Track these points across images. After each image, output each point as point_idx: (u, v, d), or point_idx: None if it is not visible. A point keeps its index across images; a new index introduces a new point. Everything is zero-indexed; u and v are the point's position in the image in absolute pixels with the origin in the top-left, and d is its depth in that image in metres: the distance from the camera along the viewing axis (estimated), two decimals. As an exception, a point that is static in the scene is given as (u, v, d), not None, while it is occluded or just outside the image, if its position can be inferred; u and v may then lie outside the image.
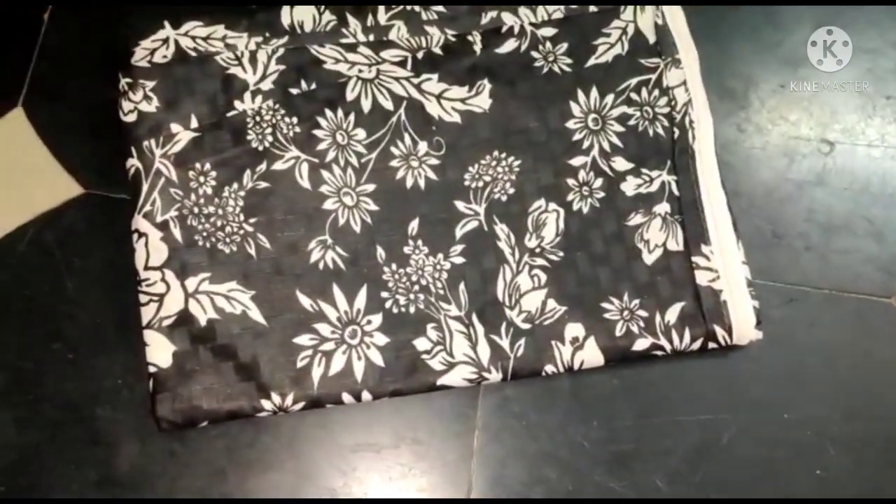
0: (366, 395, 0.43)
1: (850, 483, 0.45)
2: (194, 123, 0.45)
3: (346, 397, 0.43)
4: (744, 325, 0.44)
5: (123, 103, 0.45)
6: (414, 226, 0.45)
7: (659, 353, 0.44)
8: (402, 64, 0.47)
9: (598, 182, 0.46)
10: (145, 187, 0.44)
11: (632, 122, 0.47)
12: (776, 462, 0.45)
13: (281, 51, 0.46)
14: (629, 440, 0.45)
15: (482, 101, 0.47)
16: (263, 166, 0.45)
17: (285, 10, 0.46)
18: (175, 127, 0.45)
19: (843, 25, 0.51)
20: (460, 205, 0.46)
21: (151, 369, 0.42)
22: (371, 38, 0.47)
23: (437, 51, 0.47)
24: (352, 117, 0.46)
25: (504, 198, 0.46)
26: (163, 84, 0.45)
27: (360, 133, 0.46)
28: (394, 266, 0.44)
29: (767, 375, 0.46)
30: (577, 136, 0.47)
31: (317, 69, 0.46)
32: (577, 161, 0.47)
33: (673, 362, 0.46)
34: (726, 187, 0.46)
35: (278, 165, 0.45)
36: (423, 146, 0.46)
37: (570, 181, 0.46)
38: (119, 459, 0.44)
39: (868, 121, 0.50)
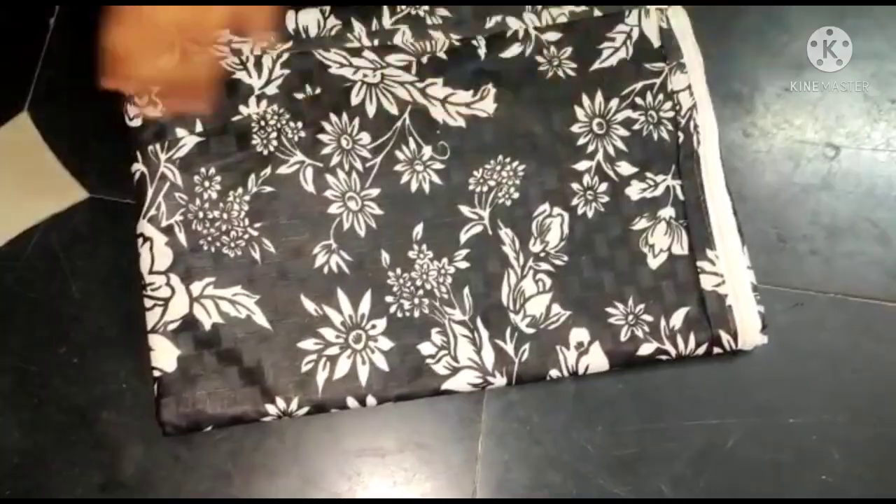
0: (370, 400, 0.43)
1: (855, 488, 0.45)
2: (199, 128, 0.45)
3: (351, 402, 0.43)
4: (749, 330, 0.44)
5: (129, 108, 0.45)
6: (418, 230, 0.45)
7: (664, 357, 0.44)
8: (406, 68, 0.47)
9: (603, 186, 0.46)
10: (150, 192, 0.44)
11: (636, 127, 0.47)
12: (781, 467, 0.45)
13: (286, 55, 0.46)
14: (633, 444, 0.45)
15: (487, 106, 0.47)
16: (268, 171, 0.45)
17: (290, 14, 0.46)
18: (180, 132, 0.45)
19: (849, 28, 0.51)
20: (465, 209, 0.46)
21: (156, 374, 0.42)
22: (376, 42, 0.47)
23: (442, 55, 0.47)
24: (356, 122, 0.46)
25: (508, 202, 0.46)
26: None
27: (365, 137, 0.46)
28: (398, 270, 0.44)
29: (772, 380, 0.46)
30: (581, 141, 0.47)
31: (321, 74, 0.46)
32: (581, 165, 0.46)
33: (677, 367, 0.45)
34: (731, 191, 0.46)
35: (283, 170, 0.45)
36: (427, 151, 0.46)
37: (575, 185, 0.46)
38: (123, 463, 0.44)
39: (873, 125, 0.50)
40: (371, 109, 0.46)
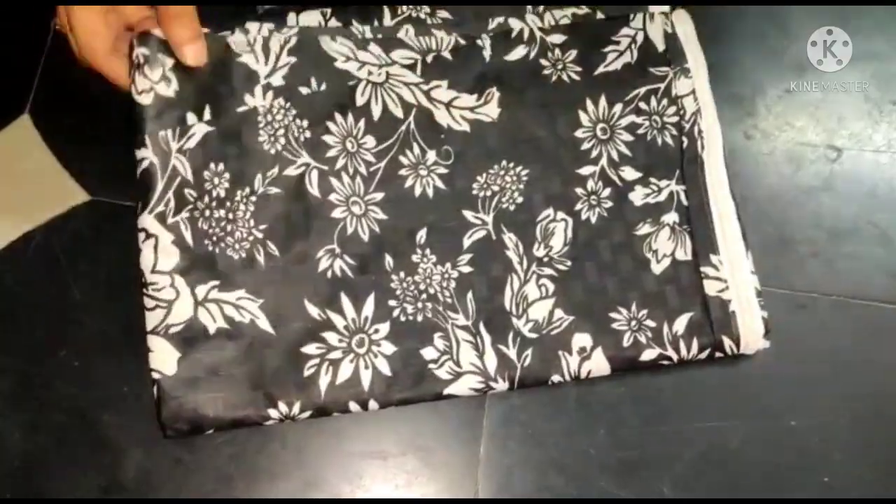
0: (372, 405, 0.43)
1: (856, 489, 0.45)
2: (207, 115, 0.43)
3: (353, 406, 0.42)
4: (752, 335, 0.44)
5: (137, 79, 0.42)
6: (422, 234, 0.45)
7: (666, 363, 0.44)
8: (412, 68, 0.46)
9: (607, 191, 0.46)
10: (160, 185, 0.42)
11: (640, 132, 0.47)
12: (783, 469, 0.45)
13: (293, 40, 0.45)
14: (635, 447, 0.45)
15: (491, 110, 0.46)
16: (275, 171, 0.44)
17: (291, 15, 0.46)
18: (190, 117, 0.43)
19: (850, 29, 0.51)
20: (469, 214, 0.45)
21: (155, 376, 0.41)
22: (380, 36, 0.46)
23: (447, 55, 0.46)
24: (362, 123, 0.45)
25: (512, 207, 0.46)
26: (182, 64, 0.42)
27: (370, 141, 0.45)
28: (402, 274, 0.44)
29: (774, 382, 0.46)
30: (585, 146, 0.46)
31: (328, 67, 0.45)
32: (585, 170, 0.46)
33: (680, 369, 0.45)
34: (735, 196, 0.46)
35: (290, 171, 0.44)
36: (431, 155, 0.46)
37: (579, 190, 0.46)
38: (125, 466, 0.44)
39: (875, 126, 0.50)
40: (376, 111, 0.46)
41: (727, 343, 0.44)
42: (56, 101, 0.48)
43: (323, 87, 0.45)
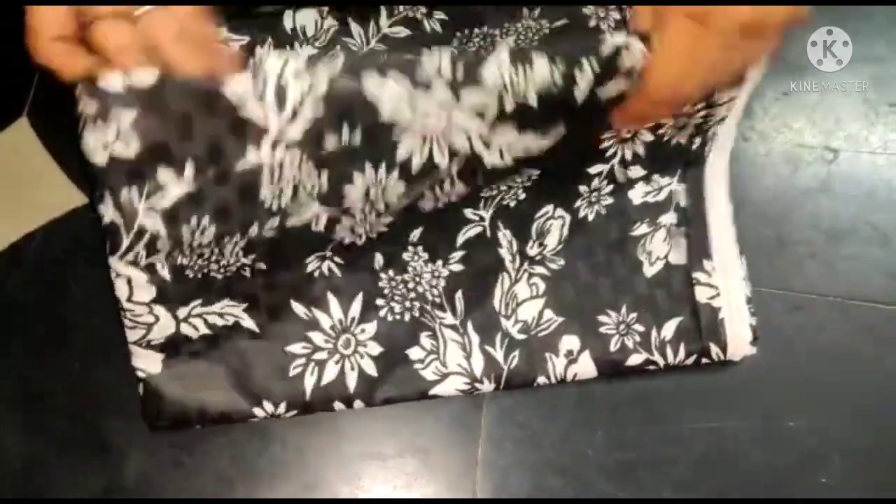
0: (358, 403, 0.42)
1: (855, 490, 0.45)
2: (189, 173, 0.34)
3: (338, 405, 0.42)
4: (739, 342, 0.44)
5: (87, 135, 0.33)
6: (416, 234, 0.44)
7: (652, 367, 0.44)
8: (481, 115, 0.36)
9: (608, 188, 0.45)
10: (126, 240, 0.36)
11: (661, 131, 0.43)
12: (781, 470, 0.45)
13: (322, 87, 0.34)
14: (633, 448, 0.45)
15: (544, 144, 0.39)
16: (275, 222, 0.38)
17: (288, 13, 0.45)
18: (164, 175, 0.34)
19: (850, 31, 0.51)
20: (468, 212, 0.44)
21: (140, 374, 0.41)
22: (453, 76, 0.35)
23: (533, 101, 0.36)
24: (395, 173, 0.38)
25: (512, 203, 0.44)
26: (147, 119, 0.33)
27: (399, 186, 0.39)
28: (391, 272, 0.44)
29: (772, 383, 0.46)
30: (604, 144, 0.43)
31: (369, 118, 0.35)
32: (595, 169, 0.44)
33: (678, 371, 0.45)
34: (731, 201, 0.46)
35: (293, 222, 0.39)
36: (460, 187, 0.41)
37: (582, 188, 0.45)
38: (125, 469, 0.44)
39: (871, 128, 0.50)
40: (416, 163, 0.37)
41: (714, 350, 0.44)
42: (55, 104, 0.48)
43: (356, 136, 0.36)
